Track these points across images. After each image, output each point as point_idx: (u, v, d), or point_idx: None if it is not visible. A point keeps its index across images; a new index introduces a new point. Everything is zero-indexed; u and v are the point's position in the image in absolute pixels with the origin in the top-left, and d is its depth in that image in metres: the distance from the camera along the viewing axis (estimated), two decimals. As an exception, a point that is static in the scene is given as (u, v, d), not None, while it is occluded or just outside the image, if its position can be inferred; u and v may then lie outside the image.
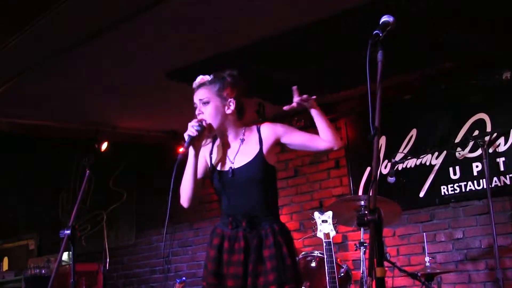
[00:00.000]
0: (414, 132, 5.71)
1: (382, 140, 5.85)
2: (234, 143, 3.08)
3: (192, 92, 3.13)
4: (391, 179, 5.11)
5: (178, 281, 5.78)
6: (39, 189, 9.48)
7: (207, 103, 3.01)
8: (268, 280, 2.85)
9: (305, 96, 3.20)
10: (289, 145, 3.12)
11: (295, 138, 3.11)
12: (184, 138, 2.96)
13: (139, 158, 8.20)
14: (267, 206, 3.00)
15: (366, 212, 2.02)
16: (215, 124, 3.00)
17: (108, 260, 7.22)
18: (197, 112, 3.03)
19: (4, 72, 5.07)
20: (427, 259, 4.60)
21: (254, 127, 3.12)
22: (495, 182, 5.13)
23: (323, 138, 3.11)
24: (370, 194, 2.07)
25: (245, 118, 3.14)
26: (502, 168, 5.13)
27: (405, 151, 5.69)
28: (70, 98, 5.82)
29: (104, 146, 6.88)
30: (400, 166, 5.71)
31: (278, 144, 3.09)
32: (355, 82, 5.61)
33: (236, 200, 3.00)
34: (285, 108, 3.22)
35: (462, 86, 5.48)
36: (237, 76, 3.12)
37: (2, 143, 7.75)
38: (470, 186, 5.29)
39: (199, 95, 3.04)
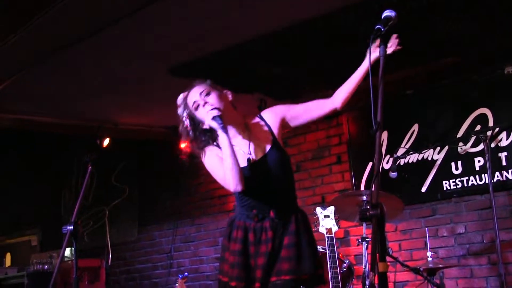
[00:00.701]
0: (416, 127, 5.70)
1: (384, 135, 5.84)
2: (241, 133, 3.04)
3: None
4: (393, 174, 5.11)
5: (180, 276, 5.78)
6: (41, 185, 9.49)
7: (209, 94, 2.99)
8: (282, 269, 2.83)
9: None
10: (295, 119, 3.07)
11: (298, 109, 3.08)
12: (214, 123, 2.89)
13: (141, 154, 8.21)
14: (291, 193, 3.04)
15: (368, 207, 2.02)
16: (225, 111, 2.95)
17: (110, 255, 7.24)
18: (201, 104, 2.97)
19: (6, 68, 5.07)
20: (429, 254, 4.59)
21: (255, 116, 3.10)
22: (497, 176, 5.13)
23: (337, 95, 3.02)
24: (373, 189, 2.07)
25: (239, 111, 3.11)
26: (504, 163, 5.13)
27: (407, 146, 5.68)
28: (71, 95, 5.82)
29: (106, 142, 6.89)
30: (402, 161, 5.70)
31: (284, 126, 3.06)
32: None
33: (261, 192, 2.94)
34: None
35: (464, 81, 5.47)
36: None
37: (4, 140, 7.76)
38: (472, 181, 5.29)
39: (198, 89, 3.04)
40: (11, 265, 9.25)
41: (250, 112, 3.18)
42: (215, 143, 3.04)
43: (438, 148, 5.52)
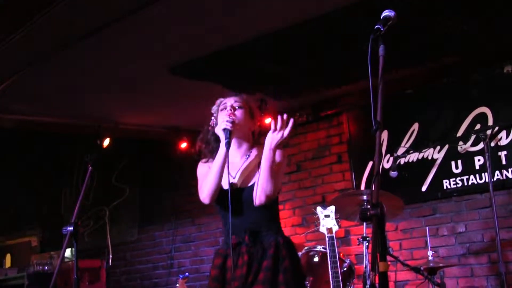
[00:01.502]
0: (416, 126, 5.71)
1: (384, 135, 5.84)
2: (239, 159, 3.12)
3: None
4: (393, 174, 5.11)
5: (181, 276, 5.78)
6: (41, 185, 9.49)
7: (241, 108, 3.08)
8: None
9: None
10: None
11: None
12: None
13: (141, 154, 8.21)
14: (269, 221, 3.05)
15: (369, 206, 2.03)
16: (240, 130, 3.04)
17: (110, 256, 7.24)
18: (227, 113, 3.04)
19: (6, 68, 5.06)
20: (429, 253, 4.60)
21: (259, 148, 3.11)
22: (497, 175, 5.13)
23: (260, 189, 2.97)
24: (373, 189, 2.07)
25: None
26: (504, 162, 5.13)
27: (407, 145, 5.69)
28: (72, 94, 5.82)
29: (107, 142, 6.88)
30: (402, 160, 5.70)
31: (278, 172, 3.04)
32: (357, 77, 5.60)
33: (238, 217, 3.00)
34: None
35: (464, 80, 5.48)
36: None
37: (4, 140, 7.76)
38: (472, 180, 5.29)
39: (235, 100, 3.11)
40: (11, 266, 9.23)
41: (259, 144, 3.17)
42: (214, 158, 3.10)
43: (438, 147, 5.52)
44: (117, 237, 8.13)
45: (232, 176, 3.04)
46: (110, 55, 4.98)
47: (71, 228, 3.54)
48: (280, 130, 2.88)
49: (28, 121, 6.37)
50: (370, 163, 5.95)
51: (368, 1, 4.17)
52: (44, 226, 9.37)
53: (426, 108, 5.68)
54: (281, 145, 2.94)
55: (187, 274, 6.02)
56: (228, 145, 2.92)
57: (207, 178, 3.01)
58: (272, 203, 3.03)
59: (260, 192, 2.93)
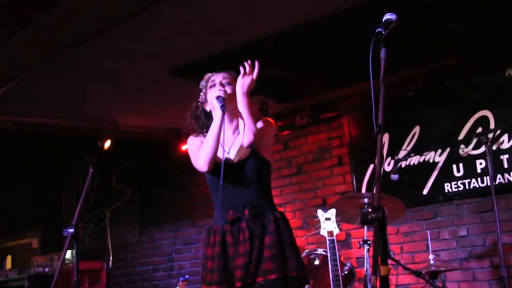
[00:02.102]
0: (417, 129, 5.70)
1: (385, 137, 5.83)
2: (231, 134, 3.15)
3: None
4: (394, 177, 5.09)
5: (181, 279, 5.78)
6: (42, 187, 9.49)
7: (229, 85, 3.11)
8: (267, 268, 2.86)
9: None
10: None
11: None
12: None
13: (142, 155, 8.20)
14: (265, 195, 3.06)
15: (370, 210, 2.02)
16: (230, 105, 3.05)
17: (111, 258, 7.23)
18: (217, 85, 3.10)
19: (8, 70, 5.06)
20: (431, 256, 4.59)
21: None
22: (499, 179, 5.12)
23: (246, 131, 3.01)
24: (374, 192, 2.06)
25: None
26: (506, 165, 5.12)
27: (408, 148, 5.68)
28: (73, 96, 5.82)
29: (107, 144, 6.88)
30: (403, 164, 5.70)
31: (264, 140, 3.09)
32: (357, 79, 5.60)
33: (235, 192, 3.02)
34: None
35: (465, 83, 5.47)
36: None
37: (5, 142, 7.76)
38: (473, 183, 5.28)
39: (223, 76, 3.16)
40: (12, 267, 9.23)
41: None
42: (204, 134, 3.14)
43: (440, 150, 5.51)
44: (117, 239, 8.12)
45: (225, 151, 3.07)
46: (110, 57, 4.98)
47: (71, 230, 3.54)
48: (249, 74, 2.98)
49: (29, 123, 6.37)
50: (371, 166, 5.94)
51: (369, 3, 4.16)
52: (44, 227, 9.37)
53: (427, 111, 5.67)
54: (249, 90, 3.00)
55: (187, 276, 6.01)
56: (223, 108, 2.96)
57: (204, 145, 3.00)
58: (265, 177, 3.08)
59: (247, 132, 2.95)
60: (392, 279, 5.18)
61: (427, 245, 4.92)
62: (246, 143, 2.98)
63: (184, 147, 7.18)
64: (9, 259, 9.69)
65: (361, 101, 6.02)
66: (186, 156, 7.74)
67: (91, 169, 3.91)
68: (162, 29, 4.52)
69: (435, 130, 5.58)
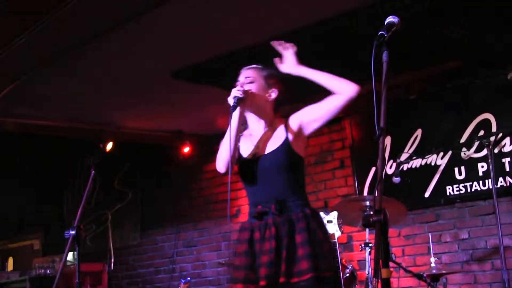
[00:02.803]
0: (419, 132, 5.70)
1: (387, 140, 5.83)
2: (261, 131, 3.10)
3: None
4: (396, 179, 5.09)
5: (182, 281, 5.77)
6: (43, 189, 9.49)
7: (252, 83, 3.08)
8: (302, 268, 2.76)
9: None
10: (312, 123, 3.06)
11: (312, 112, 3.07)
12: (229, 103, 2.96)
13: (144, 158, 8.21)
14: (294, 191, 2.98)
15: (372, 212, 2.02)
16: (254, 103, 3.03)
17: (112, 260, 7.24)
18: (239, 84, 3.08)
19: (9, 72, 5.07)
20: (432, 259, 4.58)
21: (284, 119, 3.13)
22: (501, 182, 5.12)
23: (337, 90, 2.97)
24: (376, 195, 2.06)
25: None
26: (507, 169, 5.11)
27: (410, 151, 5.68)
28: (75, 98, 5.82)
29: (109, 146, 6.89)
30: (405, 166, 5.69)
31: (302, 131, 3.06)
32: (359, 82, 5.59)
33: (263, 186, 2.97)
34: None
35: (467, 86, 5.47)
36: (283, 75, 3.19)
37: (6, 143, 7.76)
38: (475, 186, 5.28)
39: (247, 74, 3.14)
40: (13, 269, 9.24)
41: (283, 115, 3.20)
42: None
43: (442, 153, 5.51)
44: (119, 241, 8.13)
45: (256, 147, 3.03)
46: (112, 59, 4.98)
47: (73, 232, 3.54)
48: (287, 49, 3.04)
49: (30, 124, 6.38)
50: (373, 169, 5.94)
51: (370, 7, 4.17)
52: (46, 229, 9.37)
53: (429, 113, 5.67)
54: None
55: (189, 278, 6.01)
56: (233, 108, 2.91)
57: (221, 148, 2.98)
58: (295, 172, 3.02)
59: (342, 82, 2.97)
60: (394, 282, 5.17)
61: (429, 248, 4.92)
62: (349, 93, 2.92)
63: (186, 149, 7.19)
64: (10, 261, 9.69)
65: (363, 104, 6.00)
66: (187, 158, 7.77)
67: (92, 171, 3.91)
68: (164, 31, 4.52)
69: (437, 133, 5.58)
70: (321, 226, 2.94)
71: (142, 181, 8.22)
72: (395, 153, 5.72)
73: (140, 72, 5.26)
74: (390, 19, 2.33)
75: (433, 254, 4.67)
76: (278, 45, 3.04)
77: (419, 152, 5.58)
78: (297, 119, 3.07)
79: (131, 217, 8.19)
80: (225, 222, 7.11)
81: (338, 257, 4.48)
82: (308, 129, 3.07)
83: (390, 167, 5.78)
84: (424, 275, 4.39)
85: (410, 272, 4.49)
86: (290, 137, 3.01)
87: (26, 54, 4.67)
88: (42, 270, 6.89)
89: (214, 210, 7.32)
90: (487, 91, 5.35)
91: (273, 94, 3.13)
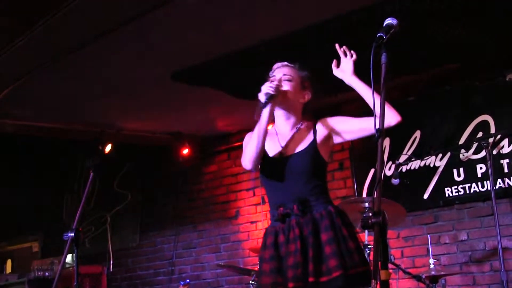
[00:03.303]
0: (418, 133, 5.70)
1: (386, 142, 5.84)
2: (289, 130, 3.07)
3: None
4: (395, 181, 5.09)
5: (182, 283, 5.77)
6: (42, 191, 9.48)
7: (290, 81, 3.04)
8: (330, 266, 2.71)
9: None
10: (342, 133, 3.06)
11: (347, 125, 3.08)
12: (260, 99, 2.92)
13: (143, 159, 8.20)
14: (317, 192, 2.93)
15: (371, 214, 2.02)
16: (288, 101, 3.01)
17: (112, 262, 7.24)
18: (273, 79, 3.02)
19: (8, 74, 5.08)
20: (431, 261, 4.58)
21: (311, 122, 3.11)
22: (499, 183, 5.12)
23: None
24: (375, 196, 2.06)
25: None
26: (506, 170, 5.12)
27: (409, 152, 5.68)
28: (74, 100, 5.83)
29: (108, 147, 6.89)
30: (404, 168, 5.70)
31: (331, 138, 3.05)
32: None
33: (287, 187, 2.92)
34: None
35: (466, 88, 5.48)
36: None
37: (5, 144, 7.77)
38: (474, 187, 5.28)
39: (284, 71, 3.08)
40: (12, 271, 9.24)
41: (310, 117, 3.19)
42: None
43: (440, 155, 5.52)
44: (118, 243, 8.12)
45: (281, 146, 3.00)
46: (112, 61, 4.99)
47: (72, 234, 3.53)
48: (350, 57, 2.95)
49: (30, 126, 6.38)
50: (372, 171, 5.94)
51: (368, 8, 4.17)
52: (45, 231, 9.36)
53: (428, 115, 5.67)
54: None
55: (188, 280, 6.01)
56: (264, 105, 2.87)
57: (250, 143, 2.94)
58: (319, 175, 2.98)
59: (389, 111, 2.99)
60: (393, 284, 5.17)
61: (428, 250, 4.91)
62: (394, 121, 2.97)
63: (185, 151, 7.19)
64: (9, 263, 9.69)
65: (361, 106, 6.01)
66: (187, 160, 7.75)
67: (92, 173, 3.91)
68: (164, 33, 4.53)
69: (436, 134, 5.59)
70: (346, 223, 2.89)
71: (141, 183, 8.21)
72: (394, 155, 5.73)
73: (140, 73, 5.26)
74: (388, 20, 2.33)
75: (432, 255, 4.67)
76: (340, 50, 2.97)
77: (418, 154, 5.58)
78: (328, 125, 3.06)
79: (131, 219, 8.19)
80: (225, 224, 7.11)
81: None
82: (338, 139, 3.07)
83: (389, 169, 5.79)
84: (423, 276, 4.39)
85: (409, 273, 4.49)
86: (319, 140, 3.00)
87: (26, 55, 4.68)
88: (41, 272, 6.88)
89: (214, 211, 7.32)
90: (485, 92, 5.36)
91: (307, 96, 3.12)
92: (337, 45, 2.96)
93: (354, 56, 2.93)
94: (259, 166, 3.02)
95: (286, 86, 3.01)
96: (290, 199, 2.88)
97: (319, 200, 2.91)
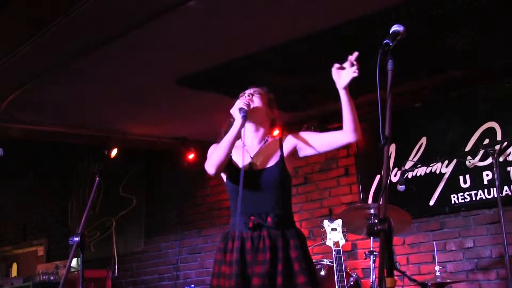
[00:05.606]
0: (424, 140, 5.69)
1: (392, 148, 5.83)
2: (257, 143, 3.18)
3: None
4: (401, 187, 5.08)
5: (186, 288, 5.77)
6: (48, 195, 9.51)
7: (259, 96, 3.19)
8: (299, 282, 2.85)
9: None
10: (315, 146, 3.10)
11: (318, 136, 3.14)
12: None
13: (148, 164, 8.22)
14: (286, 208, 3.07)
15: (376, 221, 2.01)
16: (257, 115, 3.15)
17: (116, 266, 7.24)
18: (246, 96, 3.18)
19: (15, 79, 5.09)
20: (437, 268, 4.57)
21: (278, 137, 3.23)
22: (506, 191, 5.10)
23: (349, 130, 3.01)
24: (381, 203, 2.05)
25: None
26: (512, 177, 5.10)
27: (415, 159, 5.67)
28: (80, 105, 5.84)
29: (114, 152, 6.91)
30: (410, 174, 5.68)
31: (295, 153, 3.13)
32: (364, 91, 5.59)
33: (257, 198, 3.01)
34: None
35: (472, 94, 5.46)
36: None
37: (12, 149, 7.79)
38: (480, 194, 5.26)
39: (254, 90, 3.24)
40: (17, 275, 9.26)
41: (277, 132, 3.34)
42: None
43: (446, 162, 5.50)
44: (123, 247, 8.13)
45: (251, 158, 3.09)
46: (117, 67, 5.00)
47: (77, 239, 3.54)
48: (352, 70, 2.90)
49: (36, 131, 6.39)
50: (378, 177, 5.93)
51: (375, 15, 4.17)
52: (50, 236, 9.39)
53: (434, 122, 5.66)
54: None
55: (193, 286, 6.01)
56: (244, 118, 3.01)
57: (218, 148, 3.04)
58: (287, 189, 3.11)
59: (355, 127, 3.02)
60: (398, 291, 5.16)
61: (433, 257, 4.90)
62: (353, 138, 3.00)
63: (190, 156, 7.20)
64: (14, 267, 9.71)
65: (368, 112, 6.01)
66: (192, 165, 7.75)
67: (97, 178, 3.92)
68: (170, 39, 4.53)
69: (442, 141, 5.57)
70: (306, 246, 3.05)
71: (146, 187, 8.22)
72: (400, 161, 5.72)
73: (145, 79, 5.27)
74: (395, 27, 2.32)
75: (438, 262, 4.66)
76: (349, 61, 2.92)
77: (424, 160, 5.57)
78: (293, 141, 3.14)
79: (136, 223, 8.20)
80: (229, 229, 7.10)
81: (342, 265, 4.47)
82: (302, 153, 3.15)
83: (395, 175, 5.77)
84: (429, 284, 4.37)
85: (414, 280, 4.47)
86: (286, 155, 3.10)
87: (32, 61, 4.69)
88: (46, 276, 6.89)
89: (218, 217, 7.32)
90: (492, 99, 5.34)
91: (275, 112, 3.26)
92: (350, 57, 2.92)
93: (357, 73, 2.90)
94: (226, 174, 3.13)
95: (256, 101, 3.16)
96: (262, 210, 2.98)
97: (289, 218, 3.06)
